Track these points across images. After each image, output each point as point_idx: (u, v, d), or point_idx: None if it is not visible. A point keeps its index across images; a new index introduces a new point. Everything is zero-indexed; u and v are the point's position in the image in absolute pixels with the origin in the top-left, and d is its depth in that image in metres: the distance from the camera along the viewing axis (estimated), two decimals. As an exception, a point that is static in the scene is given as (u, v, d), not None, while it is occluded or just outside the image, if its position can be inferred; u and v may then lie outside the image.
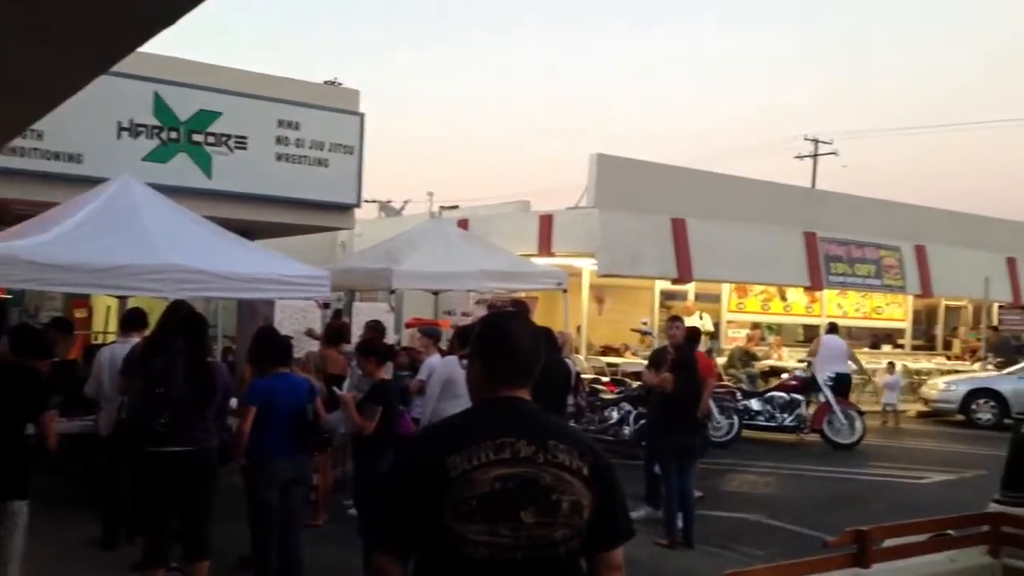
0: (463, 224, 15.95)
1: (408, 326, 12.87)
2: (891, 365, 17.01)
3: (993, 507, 4.18)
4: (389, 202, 28.71)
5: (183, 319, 5.81)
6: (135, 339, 6.78)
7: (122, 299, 9.44)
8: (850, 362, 14.95)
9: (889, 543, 3.85)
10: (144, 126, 10.64)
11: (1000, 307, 22.82)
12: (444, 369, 7.15)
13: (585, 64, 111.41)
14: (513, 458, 2.07)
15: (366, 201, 15.94)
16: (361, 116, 12.40)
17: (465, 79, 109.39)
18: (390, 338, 11.01)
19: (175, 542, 5.44)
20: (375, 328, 8.35)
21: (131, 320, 7.26)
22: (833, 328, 15.69)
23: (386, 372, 6.47)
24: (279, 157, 11.63)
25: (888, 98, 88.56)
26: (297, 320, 9.96)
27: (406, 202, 29.53)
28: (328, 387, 6.96)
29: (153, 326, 6.90)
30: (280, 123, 11.62)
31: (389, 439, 6.26)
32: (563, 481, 2.10)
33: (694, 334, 10.52)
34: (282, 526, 5.65)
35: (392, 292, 11.44)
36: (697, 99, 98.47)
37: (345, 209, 12.74)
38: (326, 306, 10.60)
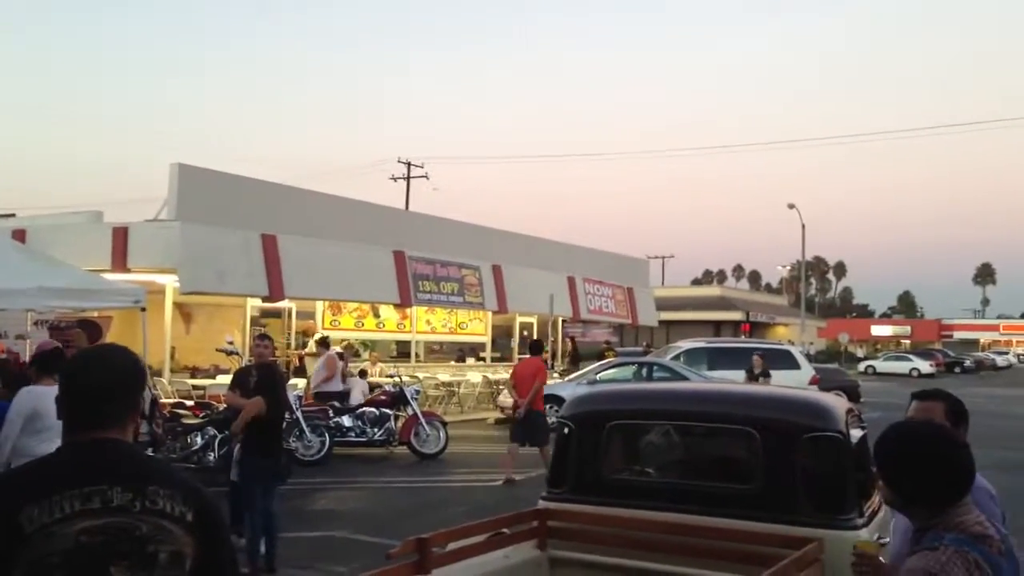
0: (19, 235, 14.15)
1: (-55, 352, 10.99)
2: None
3: (541, 503, 4.58)
4: (-74, 207, 24.37)
5: None
6: None
7: None
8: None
9: (452, 546, 4.03)
10: None
11: (564, 321, 25.84)
12: (27, 400, 6.08)
13: (170, 72, 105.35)
14: (104, 508, 1.85)
15: None
16: None
17: (27, 69, 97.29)
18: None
19: None
20: None
21: None
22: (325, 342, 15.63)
23: None
24: None
25: (475, 127, 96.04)
26: None
27: (-51, 208, 25.29)
28: None
29: None
30: None
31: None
32: (162, 530, 1.90)
33: (538, 345, 11.72)
34: None
35: (-79, 313, 9.65)
36: (296, 120, 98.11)
37: None
38: None
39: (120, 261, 14.52)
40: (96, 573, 1.83)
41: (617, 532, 4.24)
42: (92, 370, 2.03)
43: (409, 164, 40.82)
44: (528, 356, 12.67)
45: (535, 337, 13.66)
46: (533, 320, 25.47)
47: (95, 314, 12.20)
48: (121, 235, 14.71)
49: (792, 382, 16.24)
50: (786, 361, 19.32)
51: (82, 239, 14.96)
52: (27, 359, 9.23)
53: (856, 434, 4.35)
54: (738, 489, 4.28)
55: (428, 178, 41.15)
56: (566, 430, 4.72)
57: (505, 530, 4.35)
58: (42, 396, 6.26)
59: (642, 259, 33.93)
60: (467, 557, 4.00)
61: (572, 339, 24.73)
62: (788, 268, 77.25)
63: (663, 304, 34.59)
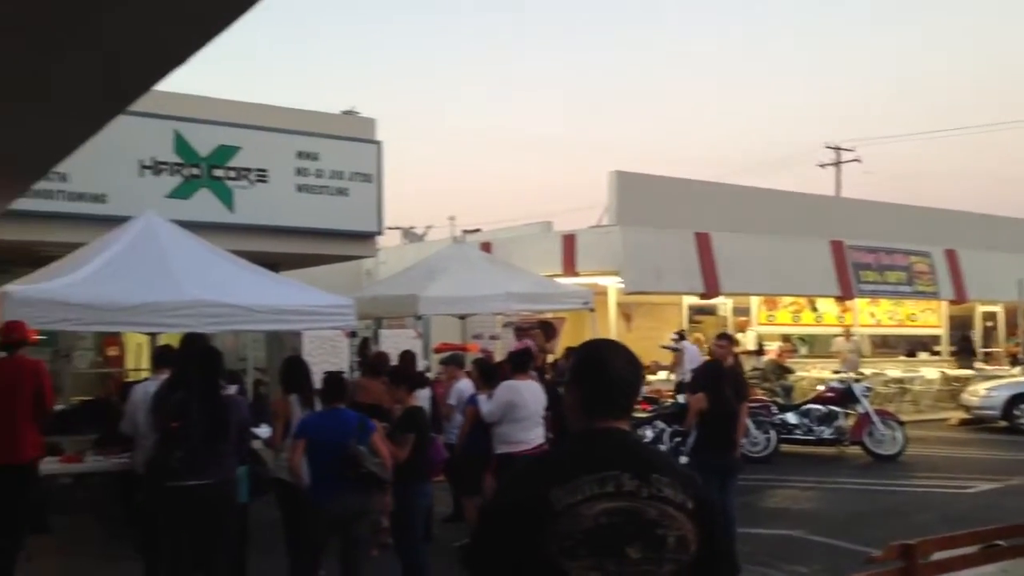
0: (486, 247, 15.96)
1: (437, 351, 12.86)
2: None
3: (1045, 515, 4.03)
4: (412, 228, 28.79)
5: (196, 354, 5.79)
6: (167, 376, 6.78)
7: (153, 335, 9.48)
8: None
9: (937, 556, 3.73)
10: (166, 164, 10.78)
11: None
12: (507, 393, 7.04)
13: (601, 82, 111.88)
14: (617, 492, 2.01)
15: (388, 228, 16.02)
16: (379, 144, 12.46)
17: (480, 102, 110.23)
18: (419, 364, 11.03)
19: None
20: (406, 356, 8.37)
21: (162, 357, 7.23)
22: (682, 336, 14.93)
23: (417, 399, 6.42)
24: (300, 188, 11.71)
25: (906, 103, 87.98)
26: (325, 350, 9.95)
27: (428, 228, 29.58)
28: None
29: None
30: (299, 154, 11.70)
31: (424, 466, 6.20)
32: (668, 516, 2.02)
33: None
34: (343, 566, 5.56)
35: (419, 318, 11.42)
36: (714, 113, 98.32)
37: (367, 237, 12.77)
38: (353, 335, 10.59)
39: (569, 266, 15.76)
40: (614, 551, 1.96)
41: None
42: (614, 364, 2.16)
43: (838, 149, 38.57)
44: None
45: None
46: (998, 309, 22.51)
47: (550, 315, 13.42)
48: (570, 242, 15.98)
49: None
50: None
51: (536, 247, 16.52)
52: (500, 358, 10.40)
53: None
54: None
55: (860, 161, 38.49)
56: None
57: (1001, 542, 3.91)
58: (518, 389, 7.05)
59: None
60: (957, 569, 3.67)
61: None
62: None
63: None
